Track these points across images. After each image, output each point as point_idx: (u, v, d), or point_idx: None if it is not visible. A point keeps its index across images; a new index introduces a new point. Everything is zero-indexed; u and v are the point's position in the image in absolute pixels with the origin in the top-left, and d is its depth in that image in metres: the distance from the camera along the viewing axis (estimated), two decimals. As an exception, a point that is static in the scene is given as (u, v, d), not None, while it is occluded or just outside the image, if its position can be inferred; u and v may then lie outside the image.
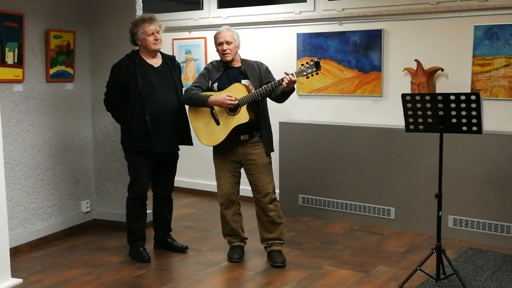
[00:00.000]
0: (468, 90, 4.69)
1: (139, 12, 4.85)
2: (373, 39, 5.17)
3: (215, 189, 6.21)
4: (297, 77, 3.81)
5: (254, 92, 3.88)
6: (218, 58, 4.19)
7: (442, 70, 4.82)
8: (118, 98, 4.14)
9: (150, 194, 4.39)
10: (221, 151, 4.11)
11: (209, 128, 4.03)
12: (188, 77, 6.34)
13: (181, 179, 6.10)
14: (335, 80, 5.38)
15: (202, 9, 6.28)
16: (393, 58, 5.12)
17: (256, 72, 4.06)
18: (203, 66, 6.21)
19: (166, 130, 4.12)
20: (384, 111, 5.17)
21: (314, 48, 5.49)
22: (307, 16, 5.53)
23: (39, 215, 4.66)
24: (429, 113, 3.53)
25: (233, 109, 3.93)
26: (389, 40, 5.12)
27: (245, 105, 3.89)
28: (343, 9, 5.33)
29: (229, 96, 3.88)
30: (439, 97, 3.46)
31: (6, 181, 3.92)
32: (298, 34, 5.58)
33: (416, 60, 4.88)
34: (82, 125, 5.04)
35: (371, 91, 5.23)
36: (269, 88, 3.86)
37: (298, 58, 5.58)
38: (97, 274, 3.98)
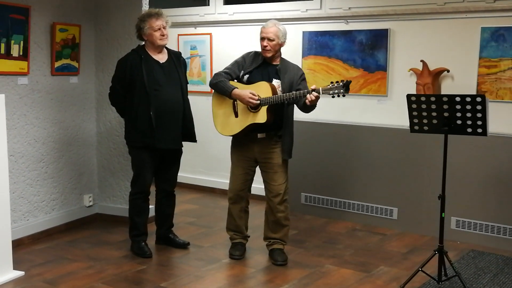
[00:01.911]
0: (473, 91, 4.67)
1: (145, 7, 4.85)
2: (379, 38, 5.15)
3: (217, 185, 6.31)
4: (322, 93, 3.72)
5: (277, 96, 3.82)
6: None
7: (448, 71, 4.81)
8: (123, 93, 4.14)
9: (153, 189, 4.39)
10: (238, 147, 4.09)
11: (226, 118, 4.01)
12: (193, 73, 6.34)
13: (183, 175, 6.10)
14: (340, 79, 5.35)
15: (208, 5, 6.27)
16: (398, 58, 5.10)
17: (290, 76, 3.96)
18: (208, 62, 6.23)
19: (170, 126, 4.11)
20: (389, 111, 5.15)
21: (319, 46, 5.48)
22: (314, 14, 5.52)
23: (42, 208, 4.67)
24: (434, 114, 3.51)
25: (254, 107, 3.89)
26: (395, 40, 5.10)
27: (266, 106, 3.84)
28: (349, 8, 5.32)
29: (254, 94, 3.84)
30: (445, 98, 3.45)
31: (9, 174, 3.93)
32: (304, 32, 5.57)
33: (422, 61, 4.86)
34: (86, 119, 5.04)
35: (376, 90, 5.22)
36: (293, 96, 3.78)
37: (303, 56, 5.57)
38: (99, 268, 3.98)
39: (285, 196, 4.10)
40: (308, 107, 3.87)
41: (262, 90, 3.88)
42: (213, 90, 4.10)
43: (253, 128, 3.94)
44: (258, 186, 4.27)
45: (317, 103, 3.80)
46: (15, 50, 4.28)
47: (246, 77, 3.99)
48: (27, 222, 4.53)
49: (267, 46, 3.92)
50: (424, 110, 3.53)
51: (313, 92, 3.71)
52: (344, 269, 4.03)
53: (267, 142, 4.01)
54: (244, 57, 4.08)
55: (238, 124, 3.95)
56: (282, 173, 4.06)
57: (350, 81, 3.74)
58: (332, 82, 3.75)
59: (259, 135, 3.98)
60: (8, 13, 4.18)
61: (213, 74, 4.08)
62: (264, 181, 4.12)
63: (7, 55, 4.22)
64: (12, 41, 4.24)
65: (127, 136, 4.22)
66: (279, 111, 3.94)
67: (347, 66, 5.35)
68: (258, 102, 3.84)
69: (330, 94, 3.74)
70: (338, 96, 3.73)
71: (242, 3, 6.07)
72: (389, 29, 5.10)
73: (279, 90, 3.91)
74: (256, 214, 4.73)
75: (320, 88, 3.73)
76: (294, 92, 3.82)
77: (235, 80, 4.04)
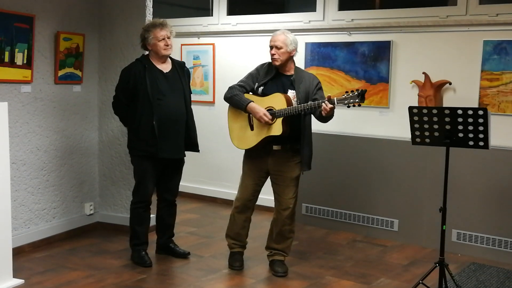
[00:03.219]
0: (475, 104, 4.68)
1: (149, 16, 4.87)
2: (382, 50, 5.17)
3: (219, 195, 6.31)
4: (337, 104, 3.68)
5: (292, 107, 3.78)
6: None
7: (450, 83, 4.82)
8: (127, 102, 4.15)
9: (154, 198, 4.39)
10: (251, 158, 4.06)
11: (242, 131, 3.99)
12: (196, 83, 6.35)
13: (185, 184, 6.10)
14: (342, 90, 5.37)
15: (212, 15, 6.31)
16: (401, 70, 5.11)
17: (305, 86, 3.92)
18: (211, 72, 6.25)
19: (173, 136, 4.12)
20: (391, 123, 5.16)
21: (322, 57, 5.50)
22: (316, 26, 5.55)
23: (43, 216, 4.67)
24: (436, 126, 3.52)
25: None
26: (398, 52, 5.12)
27: (281, 118, 3.82)
28: (352, 19, 5.34)
29: (267, 114, 3.81)
30: (446, 111, 3.46)
31: (11, 181, 3.93)
32: (306, 43, 5.59)
33: (424, 73, 4.87)
34: (88, 127, 5.06)
35: (378, 102, 5.23)
36: (307, 107, 3.75)
37: (306, 67, 5.58)
38: (99, 277, 3.98)
39: (294, 209, 4.08)
40: (324, 117, 3.82)
41: (276, 101, 3.86)
42: (228, 104, 4.07)
43: (269, 140, 3.91)
44: (261, 196, 4.26)
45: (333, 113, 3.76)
46: (19, 59, 4.30)
47: (260, 89, 3.97)
48: (27, 230, 4.53)
49: (275, 54, 3.89)
50: (426, 122, 3.54)
51: (328, 103, 3.67)
52: (344, 281, 4.02)
53: (282, 154, 3.98)
54: (258, 69, 4.06)
55: (254, 137, 3.93)
56: (293, 187, 4.04)
57: (366, 90, 3.71)
58: (347, 92, 3.70)
59: (275, 147, 3.94)
60: (13, 21, 4.21)
61: (227, 88, 4.05)
62: (275, 193, 4.10)
63: (11, 63, 4.24)
64: (16, 50, 4.26)
65: (130, 145, 4.23)
66: (296, 122, 3.90)
67: (349, 78, 5.36)
68: (270, 121, 3.81)
69: (345, 104, 3.69)
70: (354, 105, 3.68)
71: (245, 14, 6.10)
72: (392, 41, 5.12)
73: (294, 100, 3.87)
74: (258, 224, 4.73)
75: (335, 99, 3.69)
76: (308, 103, 3.78)
77: (250, 93, 4.03)
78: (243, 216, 4.18)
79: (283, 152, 3.97)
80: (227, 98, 4.01)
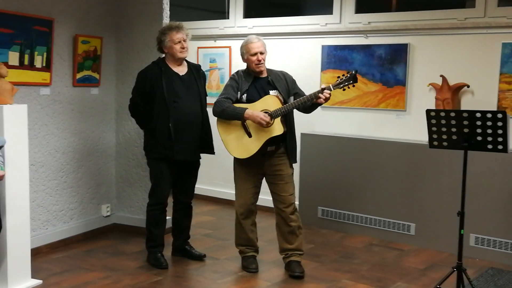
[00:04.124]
0: (494, 107, 4.63)
1: (166, 19, 4.90)
2: (399, 53, 5.14)
3: (234, 197, 6.27)
4: (334, 89, 3.87)
5: (288, 104, 3.89)
6: (242, 67, 4.19)
7: (468, 86, 4.77)
8: (143, 105, 4.18)
9: (170, 200, 4.41)
10: (245, 162, 4.06)
11: (240, 140, 3.99)
12: (212, 86, 6.37)
13: (201, 187, 6.12)
14: (358, 93, 5.36)
15: (228, 18, 6.33)
16: (418, 73, 5.08)
17: (283, 83, 4.05)
18: (227, 75, 6.26)
19: (189, 138, 4.14)
20: (408, 126, 5.13)
21: (338, 60, 5.49)
22: (333, 28, 5.53)
23: (61, 217, 4.72)
24: (453, 129, 3.49)
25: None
26: (415, 54, 5.09)
27: (279, 117, 3.89)
28: (369, 22, 5.32)
29: (265, 114, 3.86)
30: (465, 114, 3.42)
31: (30, 183, 3.98)
32: (323, 46, 5.58)
33: (441, 76, 4.83)
34: (105, 129, 5.10)
35: (395, 105, 5.20)
36: (304, 101, 3.86)
37: (322, 70, 5.57)
38: (115, 278, 4.00)
39: (295, 205, 4.13)
40: (314, 107, 3.99)
41: (270, 103, 3.93)
42: (216, 118, 4.06)
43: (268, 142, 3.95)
44: (270, 198, 4.25)
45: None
46: (38, 62, 4.36)
47: (244, 96, 4.01)
48: (45, 231, 4.58)
49: (261, 60, 3.99)
50: (444, 125, 3.51)
51: (326, 91, 3.85)
52: (360, 284, 4.00)
53: (275, 154, 4.04)
54: (234, 79, 4.08)
55: (255, 143, 3.94)
56: (291, 183, 4.11)
57: (357, 70, 3.92)
58: (339, 77, 3.91)
59: (269, 148, 3.98)
60: (32, 25, 4.26)
61: (214, 104, 4.05)
62: (274, 193, 4.13)
63: (31, 66, 4.30)
64: (36, 53, 4.32)
65: (146, 147, 4.26)
66: (281, 120, 3.97)
67: (365, 81, 5.34)
68: (270, 120, 3.87)
69: (341, 88, 3.90)
70: (348, 87, 3.89)
71: (261, 17, 6.11)
72: (409, 44, 5.09)
73: (280, 98, 3.98)
74: (271, 227, 4.71)
75: (331, 85, 3.88)
76: (305, 96, 3.91)
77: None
78: (250, 221, 4.21)
79: (275, 151, 4.03)
80: (218, 112, 3.99)
